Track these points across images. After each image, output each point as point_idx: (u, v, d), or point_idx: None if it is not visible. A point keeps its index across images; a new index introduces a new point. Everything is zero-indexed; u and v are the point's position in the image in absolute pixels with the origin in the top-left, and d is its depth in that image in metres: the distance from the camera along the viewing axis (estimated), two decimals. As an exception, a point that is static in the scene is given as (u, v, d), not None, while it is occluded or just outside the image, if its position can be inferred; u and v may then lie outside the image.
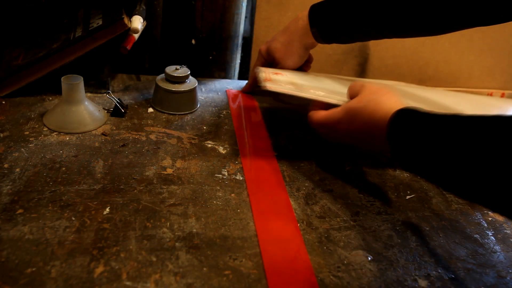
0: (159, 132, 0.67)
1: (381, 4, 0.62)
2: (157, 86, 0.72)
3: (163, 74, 0.72)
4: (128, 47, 0.71)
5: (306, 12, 0.69)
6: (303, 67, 0.79)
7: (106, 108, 0.70)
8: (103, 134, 0.64)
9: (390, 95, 0.53)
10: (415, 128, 0.46)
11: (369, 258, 0.49)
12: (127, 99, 0.75)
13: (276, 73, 0.68)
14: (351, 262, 0.48)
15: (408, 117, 0.48)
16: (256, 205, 0.55)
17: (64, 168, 0.56)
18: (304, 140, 0.70)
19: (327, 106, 0.60)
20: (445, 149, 0.43)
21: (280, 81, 0.65)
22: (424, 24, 0.62)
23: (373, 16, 0.63)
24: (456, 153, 0.42)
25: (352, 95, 0.58)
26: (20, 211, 0.48)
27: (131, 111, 0.71)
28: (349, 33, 0.67)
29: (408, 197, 0.60)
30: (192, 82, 0.74)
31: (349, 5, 0.64)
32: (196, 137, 0.67)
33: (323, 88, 0.66)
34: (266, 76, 0.65)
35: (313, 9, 0.68)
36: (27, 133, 0.62)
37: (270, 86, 0.59)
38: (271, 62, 0.77)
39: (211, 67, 0.90)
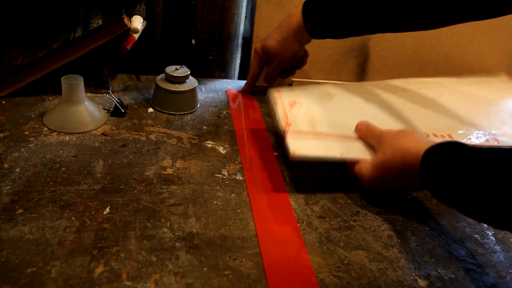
0: (159, 132, 0.67)
1: None
2: (157, 86, 0.72)
3: (163, 74, 0.72)
4: (128, 47, 0.71)
5: (299, 8, 0.69)
6: (298, 64, 0.79)
7: (106, 108, 0.70)
8: (103, 134, 0.64)
9: (410, 137, 0.54)
10: (448, 164, 0.46)
11: (369, 258, 0.49)
12: (127, 99, 0.75)
13: (292, 104, 0.66)
14: (351, 262, 0.48)
15: (438, 154, 0.48)
16: (256, 205, 0.55)
17: (64, 168, 0.56)
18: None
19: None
20: (476, 181, 0.43)
21: (299, 120, 0.62)
22: (417, 18, 0.62)
23: (366, 10, 0.63)
24: (488, 184, 0.42)
25: (372, 146, 0.59)
26: (20, 211, 0.48)
27: (131, 111, 0.71)
28: (343, 28, 0.67)
29: (408, 197, 0.60)
30: (192, 82, 0.74)
31: (343, 0, 0.65)
32: (196, 137, 0.67)
33: (343, 124, 0.64)
34: (284, 115, 0.63)
35: (307, 5, 0.68)
36: (27, 133, 0.62)
37: (298, 154, 0.57)
38: (267, 59, 0.77)
39: (211, 67, 0.90)
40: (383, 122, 0.64)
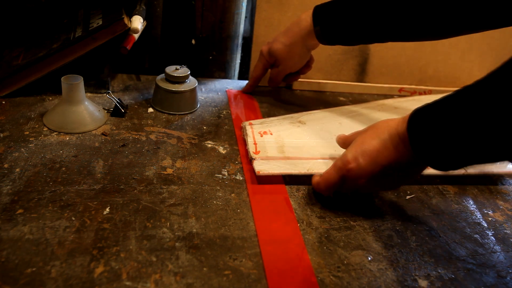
0: (159, 132, 0.67)
1: (385, 5, 0.62)
2: (157, 86, 0.72)
3: (163, 74, 0.72)
4: (128, 47, 0.71)
5: (309, 13, 0.69)
6: (303, 69, 0.79)
7: (106, 108, 0.70)
8: (103, 134, 0.64)
9: (386, 120, 0.52)
10: (436, 120, 0.44)
11: (369, 258, 0.49)
12: (127, 99, 0.75)
13: (262, 134, 0.67)
14: (351, 262, 0.48)
15: (423, 114, 0.46)
16: (256, 205, 0.55)
17: (64, 168, 0.56)
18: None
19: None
20: (469, 122, 0.42)
21: (268, 147, 0.64)
22: (428, 29, 0.61)
23: (378, 17, 0.62)
24: (477, 120, 0.41)
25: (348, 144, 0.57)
26: (20, 211, 0.48)
27: (131, 111, 0.71)
28: (352, 32, 0.66)
29: (408, 197, 0.60)
30: (192, 82, 0.74)
31: (353, 5, 0.64)
32: (196, 137, 0.67)
33: (312, 148, 0.66)
34: (253, 144, 0.64)
35: (317, 9, 0.68)
36: (27, 133, 0.62)
37: (263, 173, 0.58)
38: (273, 63, 0.77)
39: (211, 67, 0.90)
40: None
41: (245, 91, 0.83)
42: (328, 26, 0.67)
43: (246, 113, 0.76)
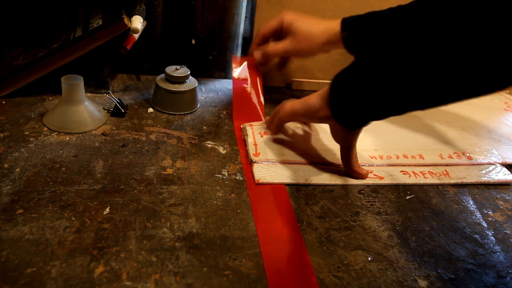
0: (159, 132, 0.67)
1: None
2: (157, 86, 0.72)
3: (163, 74, 0.72)
4: (128, 47, 0.71)
5: (337, 21, 0.69)
6: (282, 65, 0.79)
7: (106, 108, 0.70)
8: (103, 134, 0.64)
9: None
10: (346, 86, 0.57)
11: (369, 258, 0.49)
12: (127, 99, 0.75)
13: (262, 134, 0.68)
14: (351, 262, 0.48)
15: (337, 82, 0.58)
16: (256, 205, 0.55)
17: (64, 168, 0.56)
18: (304, 140, 0.70)
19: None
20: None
21: (268, 148, 0.64)
22: None
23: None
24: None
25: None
26: (20, 211, 0.48)
27: (131, 111, 0.71)
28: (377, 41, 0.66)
29: (408, 197, 0.60)
30: (192, 82, 0.74)
31: (382, 19, 0.64)
32: (196, 137, 0.67)
33: (313, 151, 0.66)
34: (253, 145, 0.65)
35: (346, 19, 0.69)
36: (27, 133, 0.62)
37: (262, 182, 0.58)
38: (285, 33, 0.73)
39: (211, 67, 0.90)
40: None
41: (250, 53, 0.78)
42: (356, 32, 0.67)
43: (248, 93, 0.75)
